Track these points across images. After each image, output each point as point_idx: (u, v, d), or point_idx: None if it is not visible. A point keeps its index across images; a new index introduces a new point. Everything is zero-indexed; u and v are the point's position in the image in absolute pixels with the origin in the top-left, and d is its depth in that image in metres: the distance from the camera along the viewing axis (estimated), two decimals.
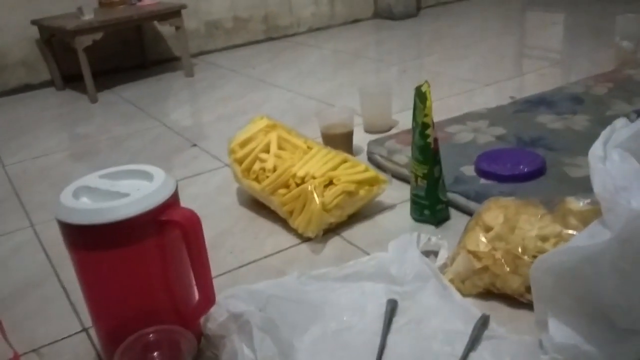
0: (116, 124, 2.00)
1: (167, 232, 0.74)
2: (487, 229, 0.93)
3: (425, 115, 1.06)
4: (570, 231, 0.85)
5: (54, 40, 2.41)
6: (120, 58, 2.68)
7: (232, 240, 1.16)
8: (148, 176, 0.78)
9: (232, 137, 1.30)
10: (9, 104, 2.38)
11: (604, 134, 0.74)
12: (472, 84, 2.00)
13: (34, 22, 2.37)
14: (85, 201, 0.76)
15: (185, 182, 1.46)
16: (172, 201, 0.75)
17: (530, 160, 1.25)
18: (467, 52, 2.44)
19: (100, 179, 0.79)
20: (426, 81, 1.07)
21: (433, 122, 1.08)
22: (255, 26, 3.01)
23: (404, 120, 1.63)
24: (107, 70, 2.60)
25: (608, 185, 0.65)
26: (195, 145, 1.71)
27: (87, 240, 0.72)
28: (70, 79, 2.47)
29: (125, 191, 0.74)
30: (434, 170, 1.10)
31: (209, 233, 1.17)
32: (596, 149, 0.71)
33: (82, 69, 2.18)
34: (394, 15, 3.23)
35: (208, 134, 1.82)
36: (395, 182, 1.29)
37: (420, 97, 1.06)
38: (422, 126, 1.07)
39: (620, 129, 0.74)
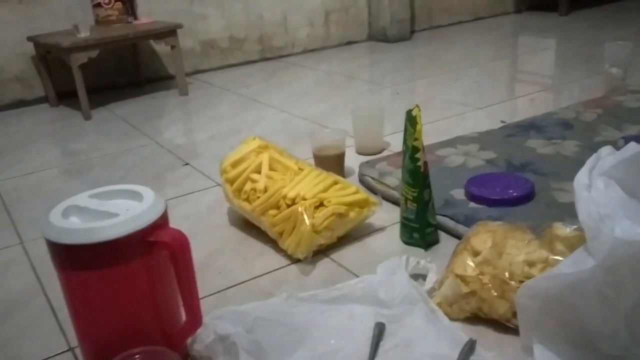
0: (109, 141, 2.00)
1: (155, 252, 0.74)
2: (475, 254, 0.93)
3: (416, 139, 1.07)
4: (557, 257, 0.86)
5: (50, 57, 2.42)
6: (115, 75, 2.69)
7: (221, 261, 1.16)
8: (138, 196, 0.78)
9: (224, 157, 1.31)
10: (2, 120, 2.38)
11: (589, 161, 0.75)
12: (464, 107, 2.02)
13: (30, 39, 2.39)
14: (74, 221, 0.76)
15: (176, 201, 1.46)
16: (161, 222, 0.75)
17: (519, 185, 1.27)
18: (459, 75, 2.47)
19: (90, 198, 0.79)
20: (417, 105, 1.09)
21: (423, 146, 1.09)
22: (251, 46, 3.04)
23: (396, 142, 1.64)
24: (101, 87, 2.61)
25: (592, 213, 0.66)
26: (187, 164, 1.71)
27: (74, 260, 0.72)
28: (65, 96, 2.48)
29: (115, 211, 0.74)
30: (424, 193, 1.10)
31: (198, 253, 1.17)
32: (581, 177, 0.72)
33: (76, 86, 2.18)
34: (387, 38, 3.27)
35: (200, 153, 1.83)
36: (385, 204, 1.30)
37: (411, 121, 1.07)
38: (412, 150, 1.08)
39: (606, 157, 0.75)
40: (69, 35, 2.24)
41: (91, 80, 2.40)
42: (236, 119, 2.14)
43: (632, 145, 0.73)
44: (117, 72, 2.70)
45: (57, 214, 0.75)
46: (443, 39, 3.30)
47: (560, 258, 0.85)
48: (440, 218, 1.19)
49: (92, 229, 0.71)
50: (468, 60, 2.78)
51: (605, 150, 0.77)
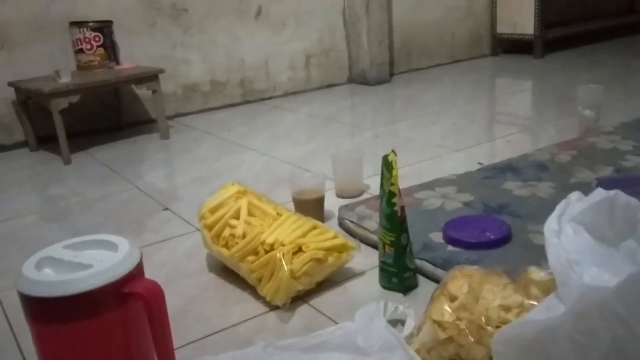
0: (89, 186, 2.00)
1: (129, 304, 0.74)
2: (452, 299, 0.93)
3: (392, 185, 1.08)
4: (532, 301, 0.86)
5: (30, 102, 2.43)
6: (97, 119, 2.70)
7: (199, 308, 1.15)
8: (112, 246, 0.78)
9: (203, 203, 1.31)
10: None
11: (559, 207, 0.77)
12: (442, 149, 2.05)
13: (10, 84, 2.39)
14: (48, 272, 0.75)
15: (155, 246, 1.45)
16: (136, 272, 0.75)
17: (496, 228, 1.28)
18: (438, 117, 2.51)
19: (64, 249, 0.79)
20: (392, 150, 1.10)
21: (399, 191, 1.10)
22: (232, 90, 3.07)
23: (376, 184, 1.64)
24: (83, 131, 2.61)
25: (562, 259, 0.67)
26: (166, 208, 1.71)
27: (46, 312, 0.71)
28: (45, 140, 2.48)
29: (89, 262, 0.74)
30: (401, 238, 1.11)
31: (176, 300, 1.16)
32: (551, 223, 0.73)
33: (57, 131, 2.18)
34: (367, 80, 3.33)
35: (181, 197, 1.82)
36: (365, 248, 1.31)
37: (387, 166, 1.09)
38: (388, 195, 1.09)
39: (575, 202, 0.77)
40: (50, 80, 2.25)
41: (72, 124, 2.41)
42: (217, 163, 2.14)
43: (599, 191, 0.75)
44: (99, 116, 2.71)
45: (30, 265, 0.74)
46: (422, 82, 3.36)
47: (535, 303, 0.86)
48: (418, 262, 1.19)
49: (65, 281, 0.70)
50: (446, 102, 2.83)
51: (574, 195, 0.79)
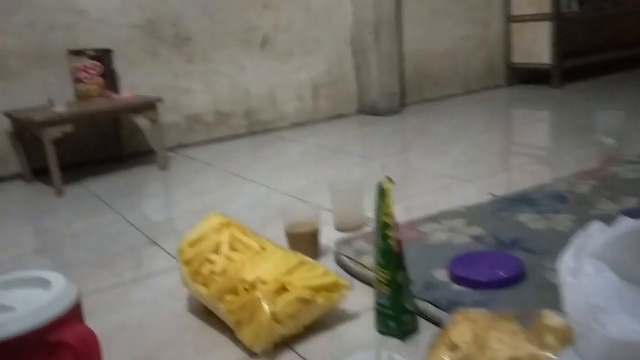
0: (77, 219, 1.90)
1: (57, 355, 0.62)
2: (453, 347, 0.80)
3: (385, 214, 0.96)
4: (547, 352, 0.73)
5: (26, 133, 2.36)
6: (96, 151, 2.62)
7: (170, 354, 1.02)
8: (46, 284, 0.66)
9: (183, 236, 1.19)
10: None
11: (576, 240, 0.63)
12: (451, 180, 1.92)
13: (6, 114, 2.33)
14: None
15: (135, 284, 1.33)
16: (68, 317, 0.63)
17: (507, 265, 1.14)
18: (449, 148, 2.39)
19: None
20: (387, 176, 0.99)
21: (395, 222, 0.98)
22: (237, 120, 2.99)
23: None
24: (83, 162, 2.53)
25: (580, 303, 0.54)
26: (153, 242, 1.60)
27: None
28: (41, 172, 2.39)
29: (11, 304, 0.62)
30: (397, 276, 0.98)
31: (147, 345, 1.04)
32: (567, 259, 0.60)
33: (49, 161, 2.10)
34: (377, 111, 3.23)
35: (170, 230, 1.71)
36: (362, 286, 1.18)
37: (380, 194, 0.97)
38: (382, 226, 0.97)
39: (595, 234, 0.64)
40: (44, 109, 2.18)
41: (70, 155, 2.34)
42: (213, 195, 2.04)
43: (626, 220, 0.62)
44: (99, 147, 2.63)
45: None
46: (433, 112, 3.25)
47: (551, 355, 0.72)
48: (420, 303, 1.06)
49: None
50: (458, 132, 2.71)
51: (595, 226, 0.66)
